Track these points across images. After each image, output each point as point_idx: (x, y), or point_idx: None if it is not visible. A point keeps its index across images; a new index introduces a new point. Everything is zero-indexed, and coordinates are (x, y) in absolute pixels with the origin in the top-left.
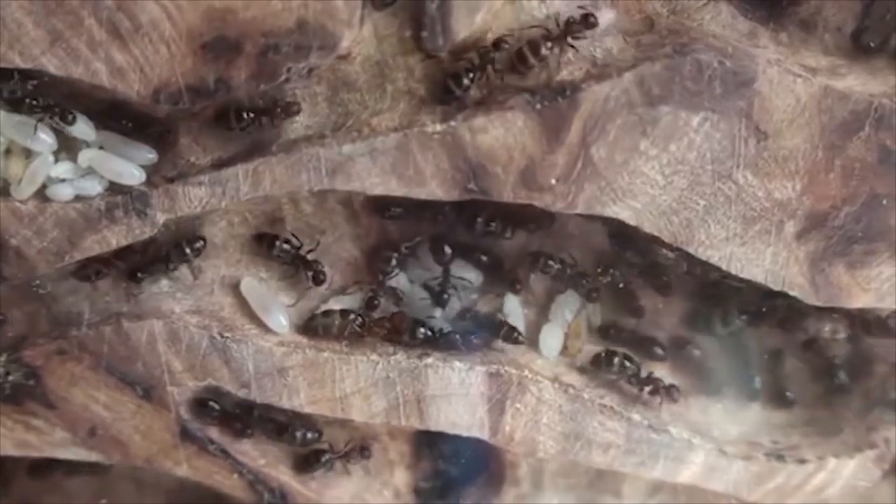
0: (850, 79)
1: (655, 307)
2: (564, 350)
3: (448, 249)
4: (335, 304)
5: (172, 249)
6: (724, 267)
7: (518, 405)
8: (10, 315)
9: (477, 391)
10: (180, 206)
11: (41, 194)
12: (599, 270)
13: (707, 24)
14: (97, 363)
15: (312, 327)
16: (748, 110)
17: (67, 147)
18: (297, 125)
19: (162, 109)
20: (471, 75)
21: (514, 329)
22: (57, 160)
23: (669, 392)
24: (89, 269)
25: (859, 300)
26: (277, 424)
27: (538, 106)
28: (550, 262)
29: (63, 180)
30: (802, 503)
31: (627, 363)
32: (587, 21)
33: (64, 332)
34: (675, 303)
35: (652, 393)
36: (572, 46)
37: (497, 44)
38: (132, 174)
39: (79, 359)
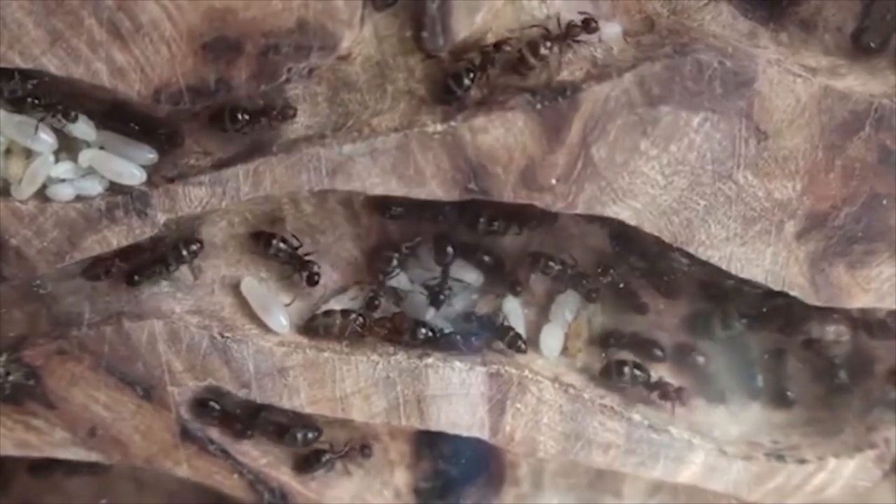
0: (850, 79)
1: (656, 308)
2: (565, 350)
3: (450, 250)
4: (336, 304)
5: (170, 252)
6: (724, 267)
7: (518, 405)
8: (10, 315)
9: (477, 391)
10: (181, 206)
11: (41, 194)
12: (599, 271)
13: (707, 25)
14: (97, 363)
15: (313, 327)
16: (748, 110)
17: (68, 147)
18: (298, 125)
19: (163, 109)
20: (471, 75)
21: (518, 336)
22: (57, 160)
23: (680, 396)
24: (98, 268)
25: (859, 300)
26: (278, 426)
27: (538, 106)
28: (551, 263)
29: (63, 180)
30: (802, 503)
31: (638, 372)
32: (588, 25)
33: (64, 332)
34: (675, 305)
35: (662, 397)
36: (571, 47)
37: (498, 45)
38: (132, 174)
39: (79, 359)
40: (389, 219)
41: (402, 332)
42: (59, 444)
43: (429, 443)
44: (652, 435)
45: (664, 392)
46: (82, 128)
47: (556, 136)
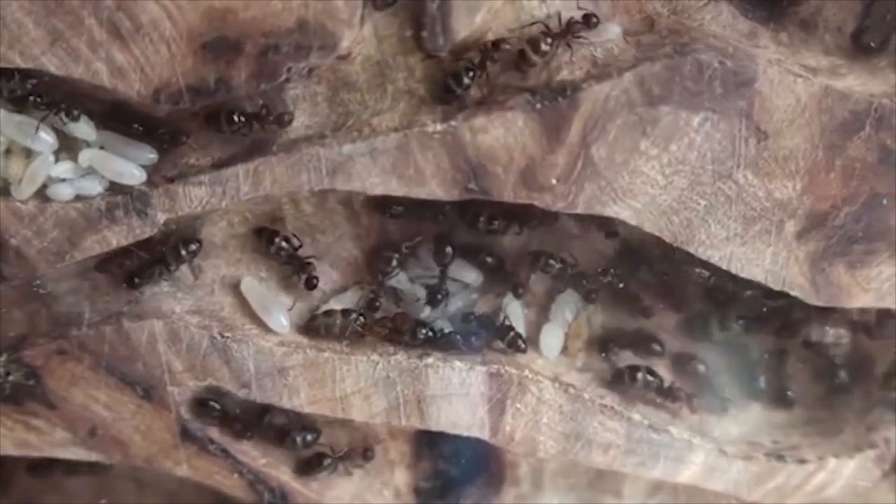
0: (850, 79)
1: (655, 308)
2: (565, 350)
3: (449, 250)
4: (336, 304)
5: (169, 252)
6: (724, 267)
7: (518, 405)
8: (10, 315)
9: (477, 391)
10: (181, 206)
11: (41, 194)
12: (599, 271)
13: (707, 24)
14: (97, 363)
15: (314, 327)
16: (748, 110)
17: (68, 147)
18: (298, 125)
19: (162, 109)
20: (471, 74)
21: (518, 336)
22: (57, 160)
23: (690, 401)
24: (112, 263)
25: (859, 300)
26: (277, 430)
27: (538, 106)
28: (551, 262)
29: (63, 180)
30: (802, 503)
31: (651, 377)
32: (589, 21)
33: (64, 332)
34: (674, 307)
35: (673, 402)
36: (570, 46)
37: (496, 43)
38: (132, 174)
39: (79, 359)
40: (390, 218)
41: (402, 332)
42: (59, 444)
43: (429, 443)
44: (652, 435)
45: (676, 398)
46: (82, 128)
47: (556, 135)
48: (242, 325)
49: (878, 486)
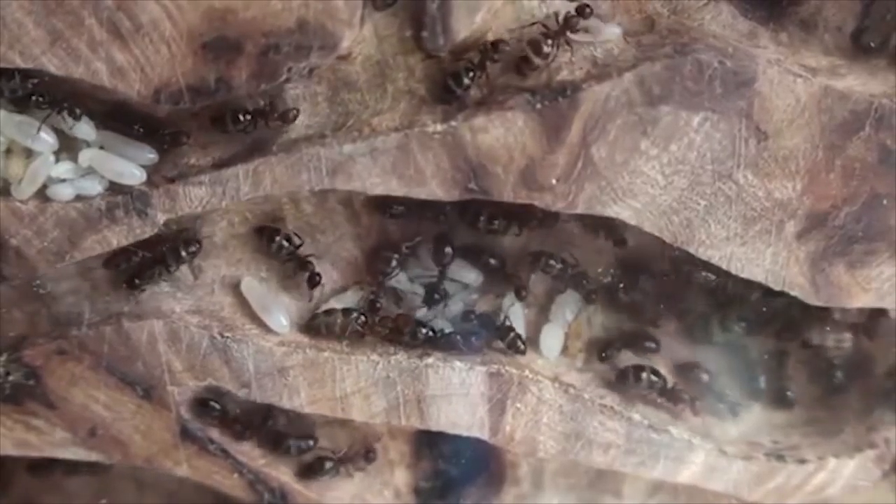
0: (850, 79)
1: (657, 312)
2: (565, 350)
3: (449, 250)
4: (336, 304)
5: (169, 253)
6: (724, 267)
7: (518, 405)
8: (10, 315)
9: (477, 391)
10: (181, 206)
11: (41, 194)
12: (600, 271)
13: (707, 24)
14: (97, 363)
15: (315, 326)
16: (748, 110)
17: (68, 147)
18: (298, 125)
19: (163, 109)
20: (471, 74)
21: (518, 337)
22: (57, 160)
23: (693, 404)
24: (120, 258)
25: (859, 300)
26: (275, 435)
27: (538, 106)
28: (551, 262)
29: (63, 180)
30: (802, 503)
31: (655, 378)
32: (583, 11)
33: (64, 332)
34: (676, 303)
35: (676, 404)
36: (569, 44)
37: (496, 43)
38: (132, 174)
39: (79, 359)
40: (390, 218)
41: (403, 332)
42: (59, 444)
43: (429, 443)
44: (652, 435)
45: (679, 399)
46: (82, 128)
47: (556, 135)
48: (242, 325)
49: (878, 485)
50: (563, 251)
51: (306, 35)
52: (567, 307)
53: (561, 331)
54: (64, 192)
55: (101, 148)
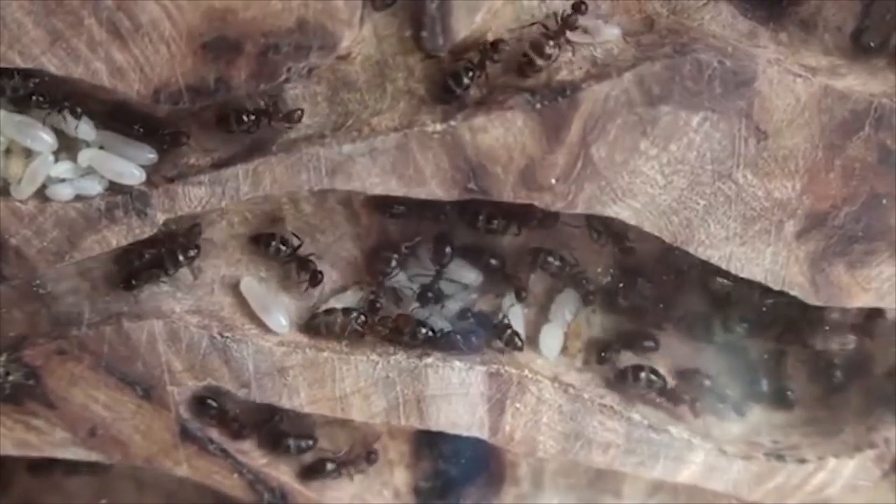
0: (850, 79)
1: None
2: (564, 350)
3: (448, 250)
4: (336, 304)
5: (167, 256)
6: (724, 266)
7: (518, 405)
8: (10, 315)
9: (477, 391)
10: (180, 206)
11: (41, 194)
12: (599, 271)
13: (707, 24)
14: (97, 363)
15: (314, 325)
16: (748, 110)
17: (67, 147)
18: (298, 125)
19: (162, 109)
20: (471, 74)
21: (516, 334)
22: (57, 160)
23: (693, 405)
24: (132, 254)
25: (859, 300)
26: (274, 435)
27: (538, 106)
28: (550, 259)
29: (63, 180)
30: (802, 503)
31: (654, 377)
32: (579, 8)
33: (64, 332)
34: (677, 308)
35: (676, 405)
36: (569, 42)
37: (495, 43)
38: (132, 174)
39: (79, 359)
40: (391, 218)
41: (402, 332)
42: (59, 444)
43: (429, 443)
44: (652, 435)
45: (679, 400)
46: (82, 127)
47: (555, 135)
48: (242, 325)
49: (879, 485)
50: (562, 250)
51: (306, 35)
52: (566, 307)
53: (560, 331)
54: (63, 192)
55: (101, 148)
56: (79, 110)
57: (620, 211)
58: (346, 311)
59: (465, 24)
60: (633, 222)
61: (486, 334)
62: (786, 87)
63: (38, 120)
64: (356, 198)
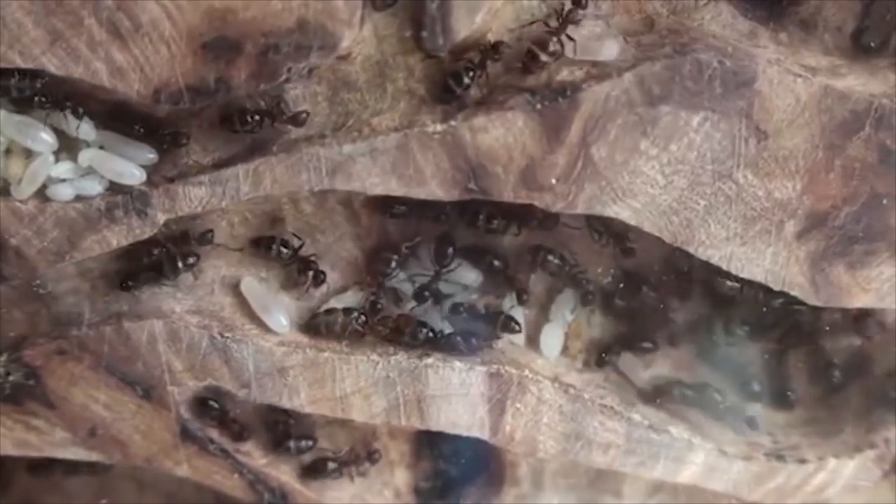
0: (850, 79)
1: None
2: (565, 350)
3: (450, 251)
4: (336, 304)
5: (166, 261)
6: (724, 266)
7: (518, 405)
8: (10, 315)
9: (477, 391)
10: (180, 206)
11: (41, 194)
12: (599, 271)
13: (707, 24)
14: (97, 363)
15: (315, 325)
16: (748, 110)
17: (67, 147)
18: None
19: (162, 109)
20: (471, 74)
21: (510, 318)
22: (57, 160)
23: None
24: (142, 251)
25: (859, 300)
26: (273, 436)
27: (538, 106)
28: (550, 257)
29: (63, 180)
30: (802, 503)
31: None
32: (580, 2)
33: (64, 332)
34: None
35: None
36: (572, 39)
37: (496, 44)
38: (132, 174)
39: (79, 359)
40: (391, 218)
41: (403, 332)
42: (59, 444)
43: (429, 443)
44: (652, 435)
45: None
46: (83, 127)
47: (556, 135)
48: (242, 325)
49: (879, 486)
50: (562, 250)
51: (306, 35)
52: (567, 307)
53: (561, 331)
54: (64, 192)
55: (101, 148)
56: (81, 110)
57: (621, 211)
58: (347, 311)
59: (466, 24)
60: (633, 222)
61: (481, 326)
62: (786, 87)
63: (38, 120)
64: (356, 198)
